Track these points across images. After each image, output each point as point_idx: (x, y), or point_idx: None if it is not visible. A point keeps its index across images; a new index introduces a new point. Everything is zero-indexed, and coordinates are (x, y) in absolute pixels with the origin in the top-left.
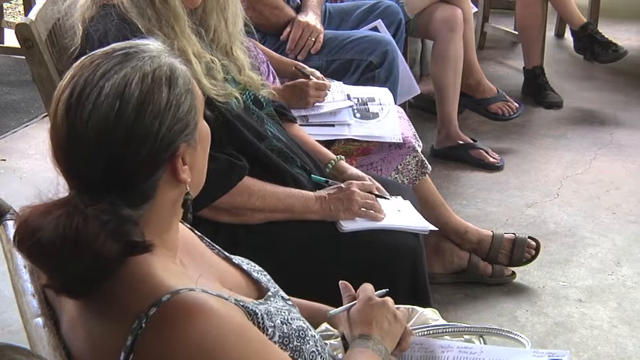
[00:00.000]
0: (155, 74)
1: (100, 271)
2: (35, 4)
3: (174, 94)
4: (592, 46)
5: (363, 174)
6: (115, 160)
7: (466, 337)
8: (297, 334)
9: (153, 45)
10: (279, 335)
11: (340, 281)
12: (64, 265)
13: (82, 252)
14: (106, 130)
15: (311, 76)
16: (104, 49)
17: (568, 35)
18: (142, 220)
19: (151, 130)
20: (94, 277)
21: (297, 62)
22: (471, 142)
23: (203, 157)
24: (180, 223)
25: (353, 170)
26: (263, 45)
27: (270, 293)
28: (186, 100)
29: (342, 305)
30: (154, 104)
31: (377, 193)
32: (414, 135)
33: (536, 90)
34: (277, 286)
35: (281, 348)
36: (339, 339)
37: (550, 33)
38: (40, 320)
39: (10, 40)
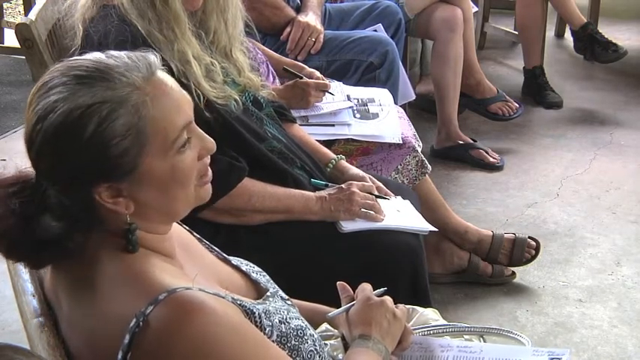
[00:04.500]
0: (88, 110)
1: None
2: (35, 4)
3: (101, 135)
4: (592, 46)
5: (364, 174)
6: (35, 164)
7: (466, 337)
8: (295, 333)
9: (131, 69)
10: (277, 334)
11: (338, 282)
12: None
13: None
14: (29, 138)
15: (301, 74)
16: (83, 59)
17: (568, 35)
18: (97, 226)
19: (60, 161)
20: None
21: (295, 62)
22: (471, 142)
23: (162, 193)
24: (178, 225)
25: (354, 170)
26: (263, 45)
27: (269, 293)
28: (122, 143)
29: (342, 306)
30: (70, 140)
31: (377, 193)
32: (414, 135)
33: (536, 90)
34: (277, 287)
35: (279, 347)
36: (339, 339)
37: (550, 33)
38: (40, 320)
39: (10, 40)
